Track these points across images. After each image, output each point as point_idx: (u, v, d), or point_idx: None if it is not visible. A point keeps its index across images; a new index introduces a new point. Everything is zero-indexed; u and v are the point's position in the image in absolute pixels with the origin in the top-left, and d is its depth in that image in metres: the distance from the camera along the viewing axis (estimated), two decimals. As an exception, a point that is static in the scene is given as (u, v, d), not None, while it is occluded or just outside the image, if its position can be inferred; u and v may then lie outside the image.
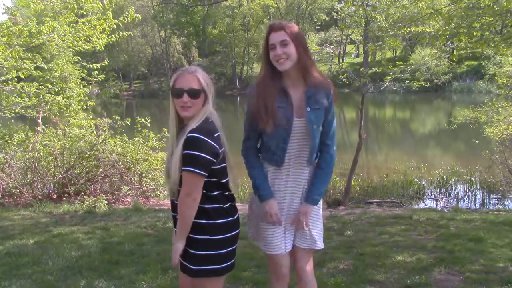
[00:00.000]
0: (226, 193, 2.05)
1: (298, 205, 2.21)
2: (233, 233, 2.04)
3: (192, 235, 1.97)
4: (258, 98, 2.10)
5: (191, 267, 1.99)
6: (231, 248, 2.03)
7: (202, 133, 1.90)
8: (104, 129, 8.55)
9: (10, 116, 8.44)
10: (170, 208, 2.12)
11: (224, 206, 2.02)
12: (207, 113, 1.99)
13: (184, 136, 1.92)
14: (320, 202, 2.28)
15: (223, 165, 2.02)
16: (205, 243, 1.96)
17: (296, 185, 2.21)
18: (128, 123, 8.46)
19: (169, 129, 2.08)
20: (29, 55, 7.94)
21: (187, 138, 1.90)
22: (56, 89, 8.50)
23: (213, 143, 1.91)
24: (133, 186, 7.90)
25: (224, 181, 2.03)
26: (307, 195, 2.21)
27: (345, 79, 8.81)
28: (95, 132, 8.65)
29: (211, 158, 1.90)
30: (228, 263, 2.03)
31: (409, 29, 6.35)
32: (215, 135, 1.94)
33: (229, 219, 2.02)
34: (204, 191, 1.94)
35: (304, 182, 2.22)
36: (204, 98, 1.99)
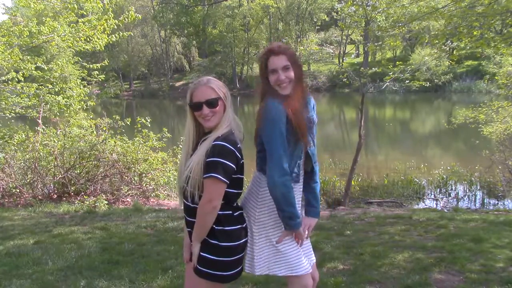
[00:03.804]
0: (235, 205, 2.07)
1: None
2: (241, 241, 2.04)
3: (206, 238, 1.99)
4: (297, 114, 2.02)
5: (196, 265, 2.02)
6: (238, 256, 2.04)
7: (228, 142, 1.94)
8: (104, 129, 8.56)
9: (10, 116, 8.45)
10: (183, 210, 2.12)
11: (235, 214, 2.04)
12: (232, 124, 2.03)
13: (208, 144, 1.95)
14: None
15: (241, 176, 2.04)
16: (213, 247, 1.98)
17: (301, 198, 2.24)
18: (128, 123, 8.47)
19: (185, 139, 2.11)
20: (28, 57, 7.94)
21: (213, 145, 1.93)
22: (56, 89, 8.51)
23: (237, 153, 1.96)
24: (133, 186, 7.90)
25: (237, 191, 2.04)
26: (313, 210, 2.24)
27: (345, 79, 8.81)
28: (95, 132, 8.66)
29: (234, 167, 1.94)
30: (234, 270, 2.04)
31: (408, 27, 6.35)
32: (238, 146, 1.98)
33: (239, 226, 2.04)
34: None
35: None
36: (223, 105, 2.03)
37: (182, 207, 2.13)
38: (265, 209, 2.10)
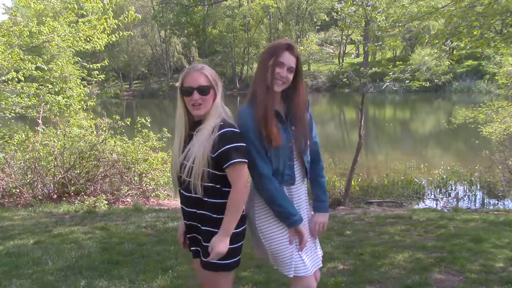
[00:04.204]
0: None
1: (310, 218, 2.24)
2: (243, 227, 2.07)
3: (209, 228, 1.99)
4: (263, 118, 2.03)
5: (205, 259, 2.00)
6: (241, 243, 2.06)
7: (233, 127, 1.96)
8: (104, 129, 8.56)
9: (10, 116, 8.45)
10: (181, 202, 2.11)
11: None
12: (223, 115, 2.01)
13: (208, 135, 1.94)
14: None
15: None
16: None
17: (306, 200, 2.23)
18: (128, 123, 8.47)
19: (177, 127, 2.08)
20: (29, 57, 7.94)
21: (222, 134, 1.92)
22: (56, 89, 8.51)
23: (241, 134, 1.98)
24: (133, 186, 7.90)
25: None
26: (322, 205, 2.26)
27: (345, 79, 8.81)
28: (95, 132, 8.66)
29: (245, 146, 1.97)
30: (238, 257, 2.05)
31: (408, 27, 6.35)
32: (238, 128, 2.00)
33: (242, 213, 2.05)
34: (218, 186, 1.97)
35: (306, 195, 2.25)
36: (213, 95, 2.02)
37: (179, 200, 2.13)
38: (263, 211, 2.11)
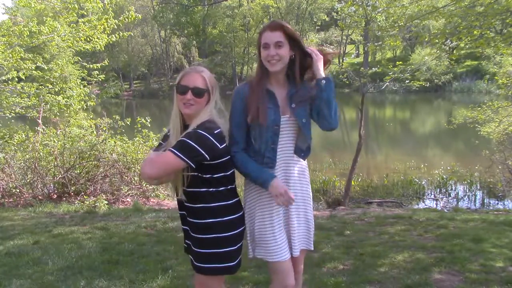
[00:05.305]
0: (232, 187, 2.07)
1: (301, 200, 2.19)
2: (239, 230, 2.06)
3: (200, 235, 2.00)
4: (253, 96, 2.08)
5: (200, 265, 2.01)
6: (238, 245, 2.06)
7: (202, 128, 1.93)
8: (104, 129, 8.55)
9: (10, 116, 8.44)
10: (178, 206, 2.14)
11: (230, 202, 2.03)
12: (212, 116, 2.01)
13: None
14: (311, 203, 2.26)
15: (228, 157, 2.03)
16: (213, 241, 1.98)
17: (289, 181, 2.16)
18: (128, 123, 8.46)
19: (172, 125, 2.07)
20: (30, 55, 7.94)
21: (188, 131, 1.95)
22: (56, 89, 8.51)
23: (212, 140, 1.92)
24: (133, 186, 7.90)
25: (229, 173, 2.05)
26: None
27: (345, 79, 8.80)
28: (95, 132, 8.66)
29: (204, 154, 1.90)
30: (237, 260, 2.06)
31: (408, 27, 6.35)
32: (215, 132, 1.94)
33: (236, 215, 2.05)
34: (211, 189, 1.98)
35: (296, 177, 2.19)
36: (207, 99, 2.02)
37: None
38: (249, 189, 2.16)
